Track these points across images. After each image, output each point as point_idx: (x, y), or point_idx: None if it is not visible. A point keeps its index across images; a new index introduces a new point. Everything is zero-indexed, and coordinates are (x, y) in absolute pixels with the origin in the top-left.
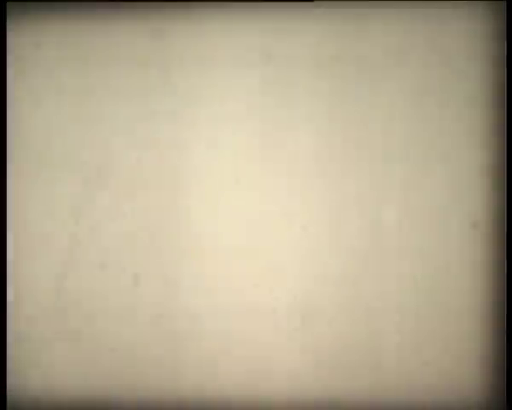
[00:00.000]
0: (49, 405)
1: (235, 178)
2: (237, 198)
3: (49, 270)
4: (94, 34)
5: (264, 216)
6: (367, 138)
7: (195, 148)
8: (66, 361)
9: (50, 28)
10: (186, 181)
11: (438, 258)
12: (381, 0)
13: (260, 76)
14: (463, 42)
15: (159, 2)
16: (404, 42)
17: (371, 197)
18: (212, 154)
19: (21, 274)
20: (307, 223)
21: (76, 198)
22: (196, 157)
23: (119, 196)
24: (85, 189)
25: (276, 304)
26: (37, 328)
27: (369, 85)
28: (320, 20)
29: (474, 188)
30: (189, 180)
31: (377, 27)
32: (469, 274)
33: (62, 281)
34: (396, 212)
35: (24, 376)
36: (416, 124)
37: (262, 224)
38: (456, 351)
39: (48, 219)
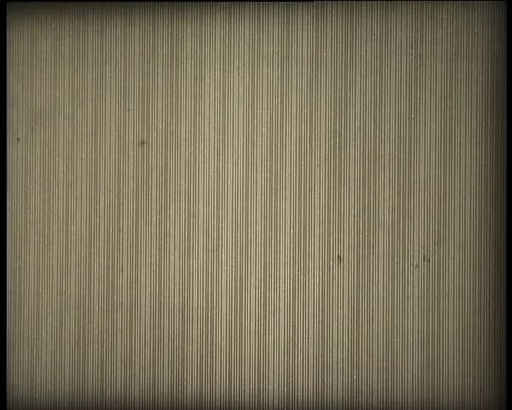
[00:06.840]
0: (49, 406)
1: (237, 178)
2: (238, 198)
3: (49, 270)
4: (94, 33)
5: (263, 217)
6: (364, 138)
7: (195, 147)
8: (67, 362)
9: (51, 28)
10: (187, 180)
11: (438, 258)
12: (379, 0)
13: (261, 76)
14: (462, 42)
15: (159, 2)
16: (403, 43)
17: (370, 198)
18: (213, 154)
19: (21, 274)
20: (308, 223)
21: (77, 198)
22: (196, 156)
23: (120, 195)
24: (86, 188)
25: (276, 304)
26: (37, 329)
27: (368, 86)
28: (320, 20)
29: (474, 189)
30: (189, 179)
31: (376, 27)
32: (470, 274)
33: (62, 282)
34: (396, 213)
35: (24, 377)
36: (414, 125)
37: (262, 224)
38: (456, 351)
39: (48, 219)
